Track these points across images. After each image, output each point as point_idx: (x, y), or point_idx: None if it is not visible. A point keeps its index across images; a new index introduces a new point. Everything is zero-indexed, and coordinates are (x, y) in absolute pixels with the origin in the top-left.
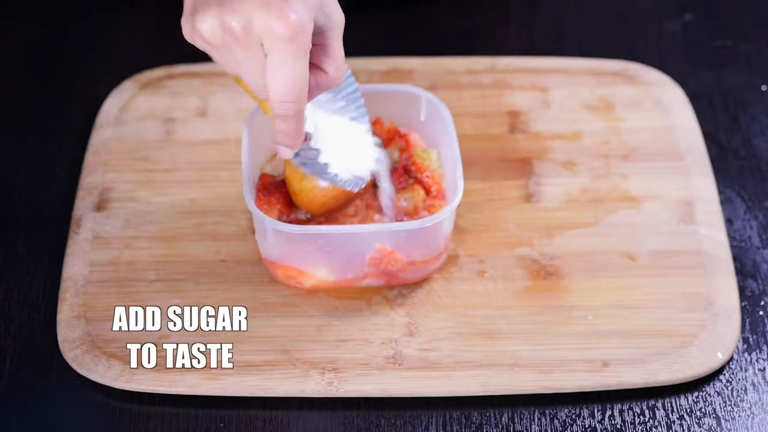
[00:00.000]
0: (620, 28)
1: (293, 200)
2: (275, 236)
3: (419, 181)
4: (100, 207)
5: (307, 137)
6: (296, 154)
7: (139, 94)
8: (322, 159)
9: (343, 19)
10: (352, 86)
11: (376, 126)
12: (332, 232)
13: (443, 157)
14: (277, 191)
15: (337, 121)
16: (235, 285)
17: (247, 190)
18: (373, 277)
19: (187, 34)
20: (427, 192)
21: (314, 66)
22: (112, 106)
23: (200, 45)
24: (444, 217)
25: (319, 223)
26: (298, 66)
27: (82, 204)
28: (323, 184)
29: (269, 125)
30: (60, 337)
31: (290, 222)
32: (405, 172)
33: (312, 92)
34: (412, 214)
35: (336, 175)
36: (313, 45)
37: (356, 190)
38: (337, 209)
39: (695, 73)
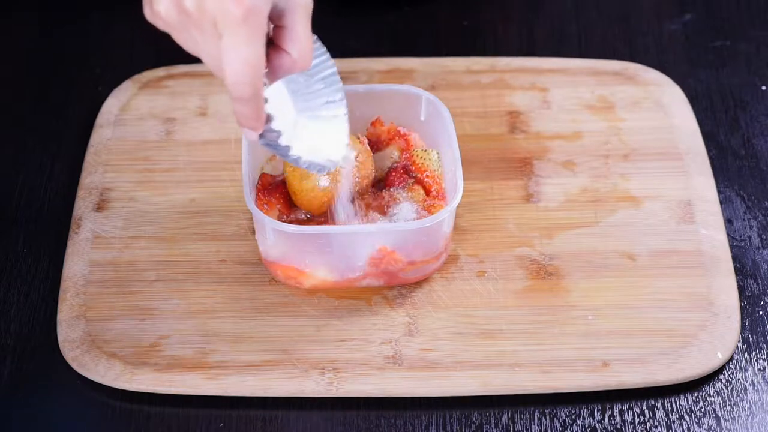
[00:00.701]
0: (620, 28)
1: (293, 200)
2: (275, 236)
3: (419, 182)
4: (100, 207)
5: (269, 118)
6: (261, 136)
7: (139, 94)
8: (283, 141)
9: (309, 2)
10: (329, 69)
11: (375, 126)
12: (332, 232)
13: (443, 157)
14: (277, 191)
15: (309, 104)
16: (235, 285)
17: (247, 190)
18: (373, 277)
19: (147, 14)
20: (427, 192)
21: (279, 48)
22: (112, 106)
23: (160, 26)
24: (444, 217)
25: (319, 223)
26: (252, 48)
27: (82, 204)
28: (323, 183)
29: None
30: (60, 337)
31: (290, 222)
32: (405, 172)
33: (275, 73)
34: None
35: (299, 158)
36: (277, 27)
37: (323, 173)
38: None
39: (695, 73)
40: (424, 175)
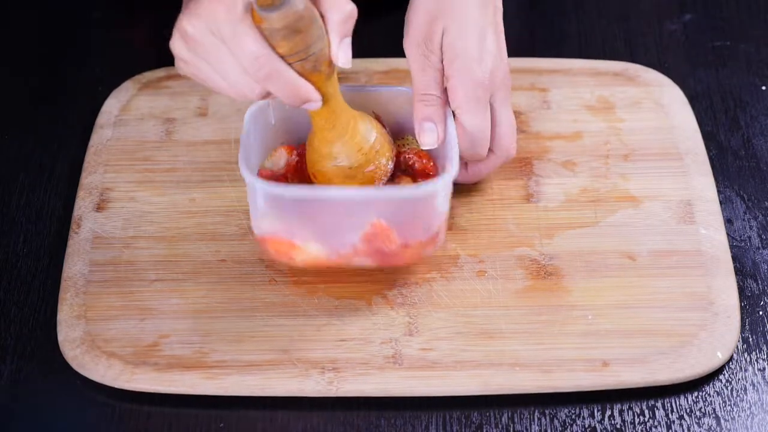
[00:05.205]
0: (620, 28)
1: (314, 181)
2: (266, 203)
3: (406, 168)
4: (100, 207)
5: None
6: None
7: (139, 94)
8: None
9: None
10: None
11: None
12: (324, 196)
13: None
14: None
15: None
16: (235, 285)
17: (242, 157)
18: (365, 255)
19: (177, 66)
20: (415, 175)
21: None
22: (112, 106)
23: (182, 69)
24: (437, 188)
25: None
26: (254, 34)
27: (82, 204)
28: (342, 162)
29: (273, 123)
30: (60, 337)
31: None
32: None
33: None
34: None
35: None
36: None
37: None
38: None
39: (695, 73)
40: (406, 155)
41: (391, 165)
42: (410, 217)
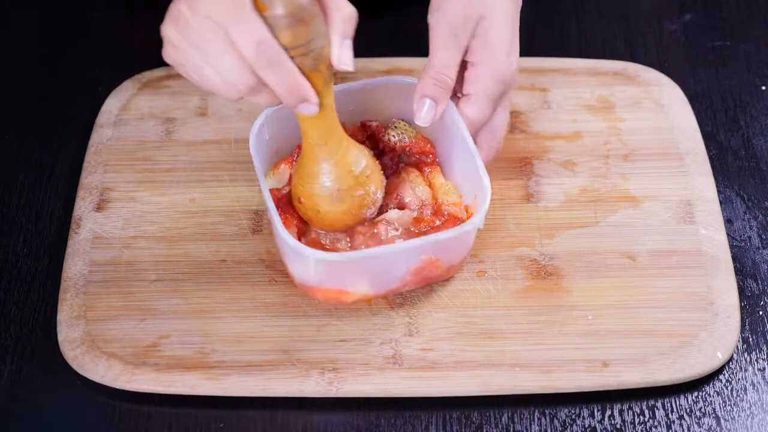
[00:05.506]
0: (620, 28)
1: (311, 222)
2: (316, 264)
3: (412, 162)
4: (100, 207)
5: None
6: None
7: (139, 94)
8: None
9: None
10: None
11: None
12: (378, 254)
13: (453, 146)
14: (291, 206)
15: None
16: (235, 285)
17: (277, 221)
18: (413, 285)
19: (164, 54)
20: (421, 165)
21: None
22: (112, 106)
23: (171, 56)
24: (482, 219)
25: (353, 240)
26: (256, 21)
27: (82, 204)
28: (331, 184)
29: (269, 138)
30: (60, 337)
31: (310, 240)
32: (390, 159)
33: None
34: (437, 214)
35: None
36: None
37: None
38: (355, 223)
39: (695, 73)
40: (401, 145)
41: (380, 195)
42: (455, 245)
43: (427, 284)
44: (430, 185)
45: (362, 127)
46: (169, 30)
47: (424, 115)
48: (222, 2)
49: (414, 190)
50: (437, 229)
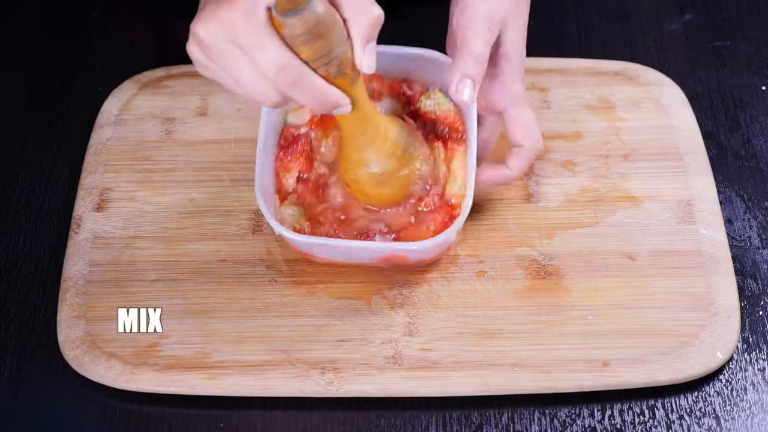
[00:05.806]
0: (620, 28)
1: (348, 190)
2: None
3: (429, 126)
4: (100, 207)
5: None
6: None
7: (139, 94)
8: None
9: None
10: None
11: (373, 81)
12: (337, 245)
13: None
14: (298, 149)
15: None
16: (235, 285)
17: (259, 191)
18: (385, 265)
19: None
20: (446, 141)
21: None
22: (112, 106)
23: (201, 71)
24: (448, 236)
25: (338, 221)
26: (275, 41)
27: (82, 204)
28: (374, 169)
29: None
30: (60, 337)
31: (312, 179)
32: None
33: None
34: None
35: None
36: None
37: None
38: (406, 199)
39: (695, 73)
40: (434, 114)
41: (426, 168)
42: (418, 254)
43: (402, 268)
44: (448, 167)
45: (403, 81)
46: (194, 51)
47: (467, 91)
48: (235, 25)
49: (437, 163)
50: (431, 214)
